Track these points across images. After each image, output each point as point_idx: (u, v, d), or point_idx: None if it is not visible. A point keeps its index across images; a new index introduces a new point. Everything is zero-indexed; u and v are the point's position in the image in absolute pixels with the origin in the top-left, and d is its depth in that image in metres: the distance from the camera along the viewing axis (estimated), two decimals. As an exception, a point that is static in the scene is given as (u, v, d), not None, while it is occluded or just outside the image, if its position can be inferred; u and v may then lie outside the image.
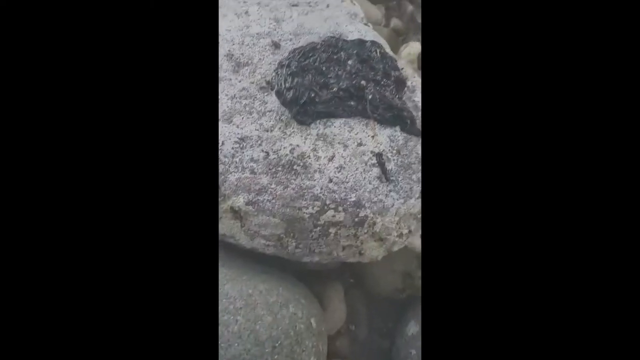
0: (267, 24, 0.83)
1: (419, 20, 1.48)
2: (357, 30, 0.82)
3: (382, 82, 0.70)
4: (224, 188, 0.64)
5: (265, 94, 0.71)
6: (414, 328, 0.79)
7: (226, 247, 0.70)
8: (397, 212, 0.66)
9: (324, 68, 0.70)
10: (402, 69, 0.76)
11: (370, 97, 0.68)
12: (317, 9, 0.89)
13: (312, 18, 0.84)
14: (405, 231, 0.69)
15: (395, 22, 1.41)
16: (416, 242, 0.89)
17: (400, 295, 0.85)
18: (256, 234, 0.66)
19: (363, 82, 0.68)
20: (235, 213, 0.64)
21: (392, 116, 0.68)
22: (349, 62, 0.70)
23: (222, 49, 0.77)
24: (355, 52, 0.71)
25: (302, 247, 0.66)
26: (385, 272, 0.86)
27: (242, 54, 0.77)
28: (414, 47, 1.27)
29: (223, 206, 0.64)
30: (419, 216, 0.69)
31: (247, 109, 0.69)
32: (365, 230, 0.64)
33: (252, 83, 0.73)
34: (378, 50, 0.73)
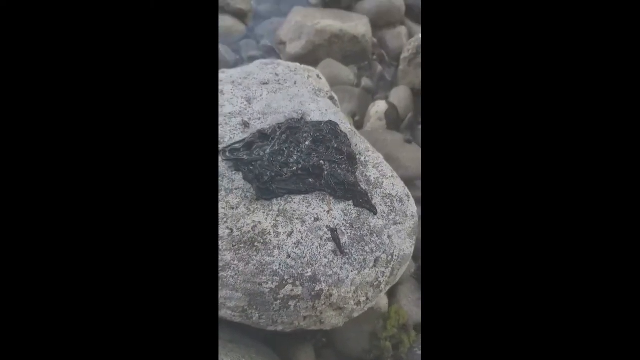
0: (239, 103, 0.92)
1: (389, 78, 1.61)
2: (318, 108, 0.91)
3: (336, 160, 0.77)
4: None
5: (233, 172, 0.78)
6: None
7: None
8: (353, 283, 0.70)
9: (284, 148, 0.78)
10: (356, 144, 0.85)
11: (325, 174, 0.75)
12: (285, 87, 0.99)
13: (280, 97, 0.94)
14: (363, 299, 0.73)
15: (365, 81, 1.53)
16: (382, 302, 0.93)
17: (368, 356, 0.87)
18: (223, 305, 0.70)
19: (321, 162, 0.76)
20: (202, 287, 0.69)
21: (345, 192, 0.75)
22: (306, 142, 0.78)
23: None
24: (312, 132, 0.80)
25: (265, 318, 0.70)
26: (355, 334, 0.89)
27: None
28: (381, 106, 1.38)
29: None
30: (375, 283, 0.74)
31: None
32: (323, 302, 0.69)
33: (222, 162, 0.80)
34: (332, 129, 0.82)
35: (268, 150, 0.76)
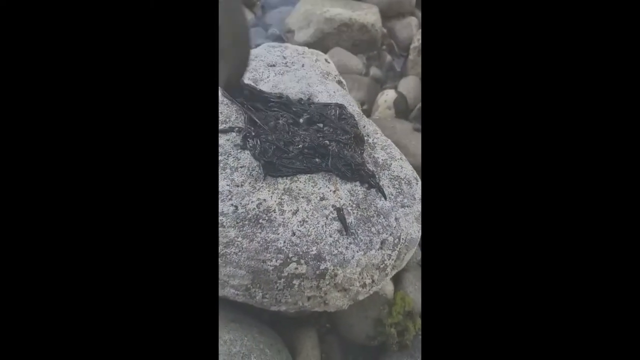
0: (245, 83, 0.91)
1: (398, 68, 1.59)
2: (326, 90, 0.89)
3: (343, 141, 0.76)
4: (195, 241, 0.68)
5: (239, 151, 0.77)
6: (383, 378, 0.79)
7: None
8: (359, 264, 0.69)
9: (289, 126, 0.77)
10: (364, 126, 0.83)
11: (332, 154, 0.74)
12: (293, 69, 0.97)
13: (287, 78, 0.93)
14: (368, 281, 0.72)
15: (374, 70, 1.51)
16: (387, 288, 0.91)
17: (372, 342, 0.86)
18: (226, 283, 0.70)
19: (327, 142, 0.75)
20: (205, 264, 0.68)
21: (352, 172, 0.74)
22: (315, 124, 0.77)
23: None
24: (319, 113, 0.79)
25: (269, 297, 0.69)
26: (359, 319, 0.88)
27: (221, 112, 0.85)
28: (390, 95, 1.36)
29: (194, 258, 0.68)
30: (381, 266, 0.72)
31: (222, 164, 0.75)
32: (327, 282, 0.68)
33: (228, 140, 0.79)
34: (339, 111, 0.80)
35: (272, 124, 0.75)
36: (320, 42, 1.52)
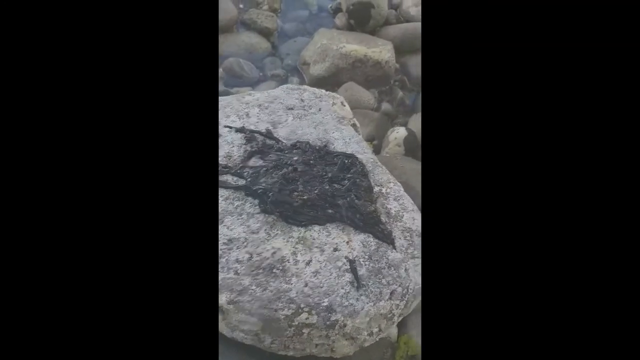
0: (264, 127, 0.95)
1: (408, 103, 1.63)
2: (342, 137, 0.93)
3: (353, 190, 0.79)
4: (210, 284, 0.71)
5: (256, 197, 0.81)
6: None
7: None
8: (367, 314, 0.71)
9: (303, 176, 0.80)
10: (377, 176, 0.86)
11: (345, 205, 0.77)
12: (310, 113, 1.01)
13: (305, 124, 0.96)
14: (375, 330, 0.74)
15: (385, 105, 1.55)
16: (392, 331, 0.93)
17: (375, 387, 0.87)
18: (236, 327, 0.72)
19: (341, 191, 0.78)
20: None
21: (364, 223, 0.76)
22: (328, 173, 0.81)
23: (222, 150, 0.88)
24: (331, 163, 0.82)
25: (277, 343, 0.71)
26: (362, 361, 0.89)
27: (239, 155, 0.88)
28: (400, 132, 1.39)
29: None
30: (389, 315, 0.74)
31: (239, 210, 0.78)
32: (337, 332, 0.70)
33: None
34: (351, 161, 0.84)
35: (282, 172, 0.78)
36: (334, 76, 1.56)
